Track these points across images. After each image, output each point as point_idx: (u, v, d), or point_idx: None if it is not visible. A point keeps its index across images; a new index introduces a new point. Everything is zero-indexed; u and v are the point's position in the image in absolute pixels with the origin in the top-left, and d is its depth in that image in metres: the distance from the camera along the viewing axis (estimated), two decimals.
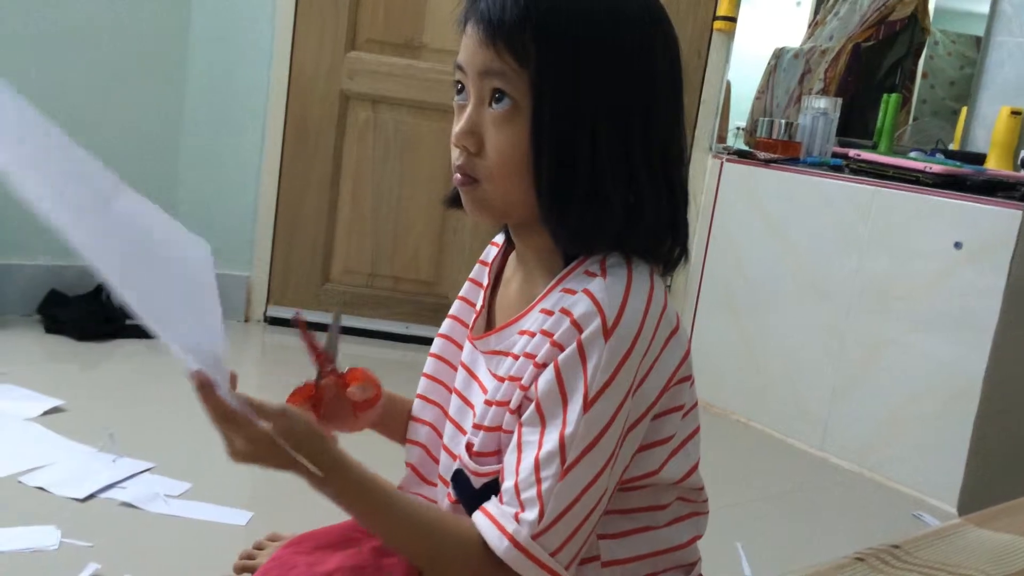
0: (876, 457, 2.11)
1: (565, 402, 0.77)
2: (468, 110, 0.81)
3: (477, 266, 1.00)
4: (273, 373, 2.49)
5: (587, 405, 0.76)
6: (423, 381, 0.99)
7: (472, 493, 0.83)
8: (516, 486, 0.77)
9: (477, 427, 0.84)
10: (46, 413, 1.77)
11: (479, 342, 0.89)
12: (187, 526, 1.42)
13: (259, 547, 1.25)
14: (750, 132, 2.82)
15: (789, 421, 2.28)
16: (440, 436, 0.97)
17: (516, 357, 0.81)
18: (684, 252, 0.86)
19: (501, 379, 0.83)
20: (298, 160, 2.63)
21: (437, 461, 0.98)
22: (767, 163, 2.35)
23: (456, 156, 0.83)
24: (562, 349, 0.77)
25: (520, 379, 0.80)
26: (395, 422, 1.02)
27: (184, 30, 2.55)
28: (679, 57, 0.85)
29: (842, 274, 2.18)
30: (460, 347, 0.98)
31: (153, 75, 2.53)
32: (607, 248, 0.82)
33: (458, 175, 0.83)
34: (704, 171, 2.58)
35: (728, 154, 2.50)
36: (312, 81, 2.60)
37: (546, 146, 0.78)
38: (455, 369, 0.97)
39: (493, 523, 0.78)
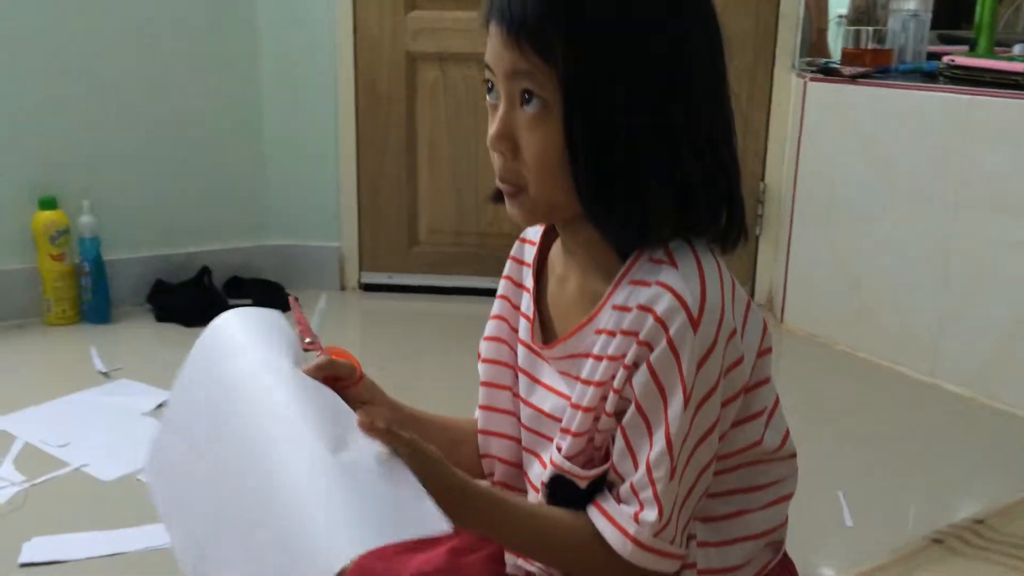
0: (992, 381, 2.01)
1: (665, 401, 0.77)
2: (500, 113, 0.79)
3: (511, 264, 0.97)
4: (373, 336, 2.56)
5: (687, 401, 0.76)
6: (483, 391, 0.98)
7: (578, 495, 0.84)
8: (632, 487, 0.79)
9: (565, 431, 0.84)
10: (160, 407, 1.87)
11: (549, 351, 0.88)
12: None
13: None
14: (852, 20, 2.64)
15: (896, 347, 2.19)
16: (515, 442, 0.97)
17: (598, 358, 0.81)
18: (742, 229, 0.84)
19: (587, 382, 0.82)
20: (373, 127, 2.64)
21: (517, 466, 0.98)
22: (853, 79, 2.22)
23: (495, 161, 0.82)
24: (651, 348, 0.76)
25: (608, 382, 0.80)
26: (439, 439, 1.02)
27: (251, 16, 2.58)
28: (717, 24, 0.81)
29: (943, 190, 2.06)
30: (513, 349, 0.97)
31: (227, 65, 2.57)
32: (667, 234, 0.80)
33: (503, 185, 0.82)
34: (788, 92, 2.46)
35: (812, 72, 2.37)
36: (377, 47, 2.59)
37: (581, 144, 0.76)
38: (512, 370, 0.97)
39: (614, 524, 0.80)
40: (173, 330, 2.37)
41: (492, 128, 0.80)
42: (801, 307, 2.44)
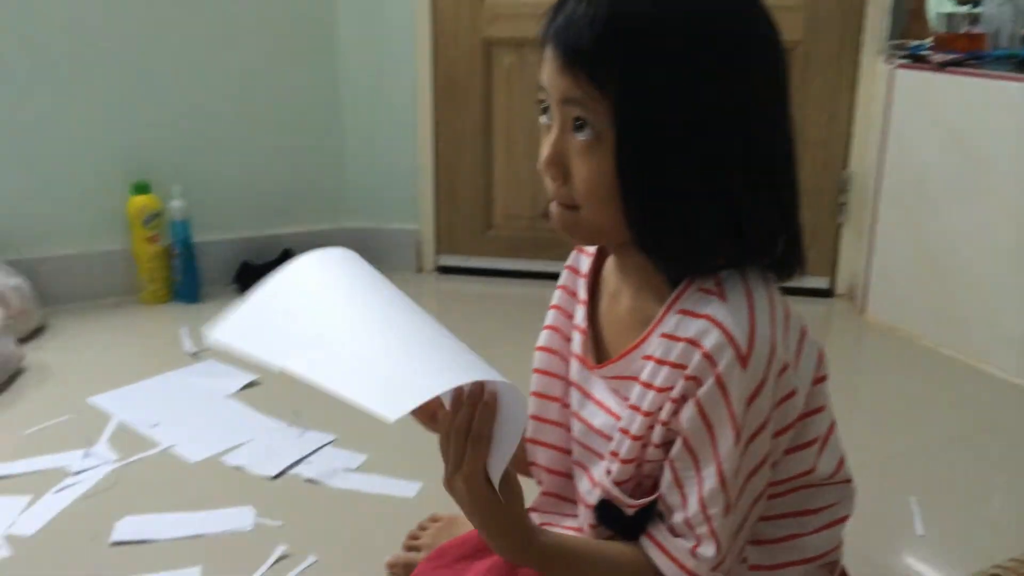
0: None
1: (714, 437, 0.78)
2: (552, 137, 0.80)
3: (567, 273, 0.98)
4: (449, 318, 2.59)
5: (738, 438, 0.77)
6: (533, 400, 1.00)
7: (625, 521, 0.86)
8: (687, 522, 0.80)
9: (613, 455, 0.86)
10: (243, 388, 1.96)
11: (600, 371, 0.89)
12: (363, 500, 1.54)
13: (423, 527, 1.34)
14: None
15: (982, 345, 2.12)
16: (566, 453, 0.99)
17: (646, 385, 0.81)
18: (799, 260, 0.83)
19: (635, 408, 0.83)
20: (450, 112, 2.67)
21: (566, 476, 1.00)
22: (943, 67, 2.13)
23: (548, 184, 0.83)
24: (699, 383, 0.77)
25: (655, 412, 0.80)
26: None
27: (331, 3, 2.62)
28: (782, 53, 0.80)
29: None
30: (565, 360, 0.98)
31: (307, 46, 2.63)
32: (718, 262, 0.80)
33: (554, 206, 0.83)
34: (875, 78, 2.38)
35: (900, 58, 2.29)
36: (454, 32, 2.61)
37: (632, 176, 0.76)
38: (563, 381, 0.98)
39: (671, 559, 0.82)
40: None
41: (543, 152, 0.81)
42: (883, 299, 2.38)
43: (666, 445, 0.82)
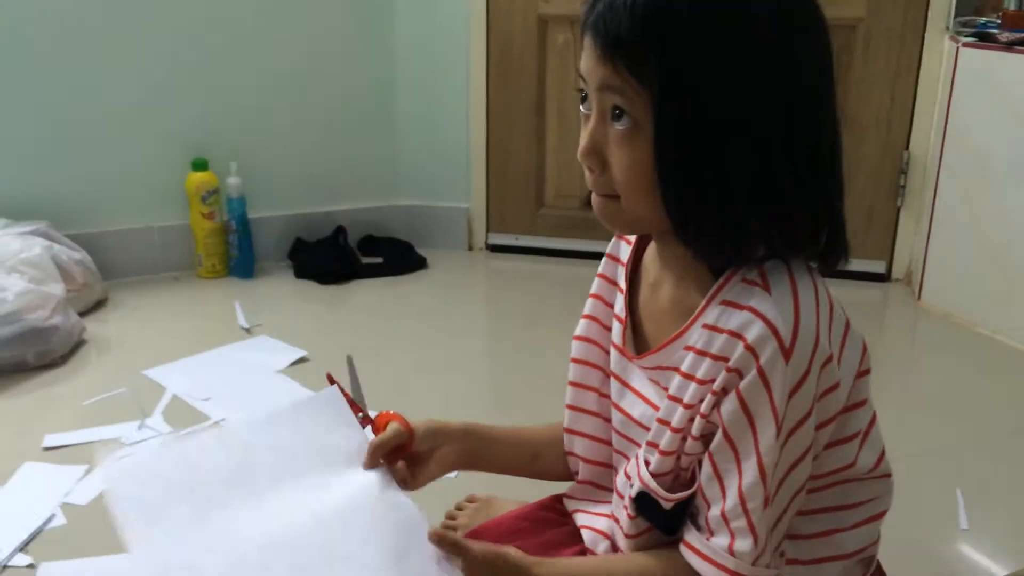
0: None
1: (755, 430, 0.77)
2: (590, 126, 0.79)
3: (607, 261, 0.98)
4: (499, 297, 2.62)
5: (779, 431, 0.77)
6: (570, 390, 1.01)
7: (662, 515, 0.86)
8: (723, 515, 0.80)
9: (652, 446, 0.86)
10: (292, 364, 2.00)
11: (639, 361, 0.89)
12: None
13: (460, 508, 1.36)
14: None
15: None
16: (601, 443, 0.99)
17: (687, 376, 0.81)
18: (843, 251, 0.82)
19: (675, 399, 0.83)
20: (503, 90, 2.66)
21: (603, 465, 1.00)
22: (1010, 46, 2.05)
23: (587, 173, 0.82)
24: (741, 375, 0.76)
25: (696, 405, 0.80)
26: (518, 457, 1.05)
27: None
28: (828, 45, 0.78)
29: None
30: (602, 348, 0.98)
31: (362, 25, 2.64)
32: (760, 252, 0.79)
33: (594, 195, 0.83)
34: (940, 56, 2.31)
35: (965, 36, 2.21)
36: (509, 9, 2.60)
37: (672, 166, 0.75)
38: (600, 371, 0.98)
39: (710, 562, 0.82)
40: (309, 287, 2.50)
41: (582, 142, 0.80)
42: (940, 285, 2.32)
43: (705, 438, 0.81)
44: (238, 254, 2.54)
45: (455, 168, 2.76)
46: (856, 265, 2.52)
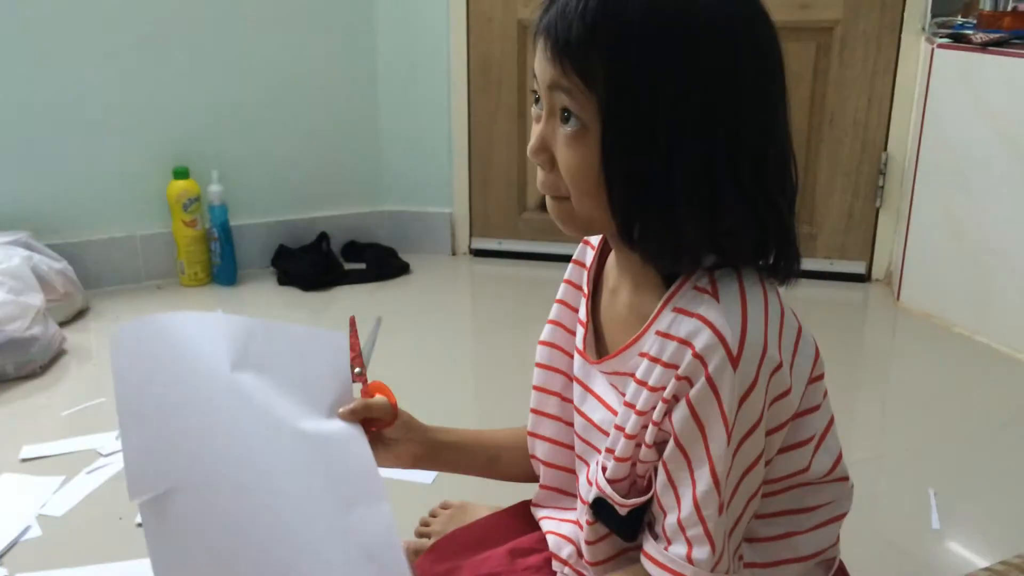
0: None
1: (706, 438, 0.78)
2: (540, 124, 0.80)
3: (572, 267, 0.99)
4: (482, 302, 2.62)
5: (730, 438, 0.77)
6: (534, 394, 1.01)
7: (619, 520, 0.87)
8: (679, 523, 0.81)
9: (609, 452, 0.86)
10: None
11: (599, 365, 0.90)
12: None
13: (434, 515, 1.37)
14: None
15: (1018, 334, 2.07)
16: (563, 447, 1.00)
17: (640, 383, 0.82)
18: (793, 264, 0.82)
19: (630, 406, 0.83)
20: (484, 95, 2.67)
21: (564, 470, 1.01)
22: (984, 47, 2.07)
23: (538, 173, 0.83)
24: (691, 383, 0.77)
25: (648, 412, 0.81)
26: (476, 459, 1.05)
27: None
28: (777, 54, 0.78)
29: None
30: (567, 354, 0.99)
31: (342, 31, 2.65)
32: (709, 261, 0.80)
33: (545, 193, 0.83)
34: (916, 58, 2.32)
35: (941, 38, 2.22)
36: (489, 14, 2.61)
37: (617, 172, 0.75)
38: (564, 376, 0.99)
39: (669, 572, 0.82)
40: (293, 294, 2.51)
41: (531, 140, 0.80)
42: (919, 285, 2.33)
43: (658, 445, 0.82)
44: (220, 262, 2.54)
45: (437, 173, 2.77)
46: (836, 266, 2.54)
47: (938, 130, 2.23)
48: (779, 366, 0.78)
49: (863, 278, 2.52)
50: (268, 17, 2.54)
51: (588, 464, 0.95)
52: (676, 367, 0.78)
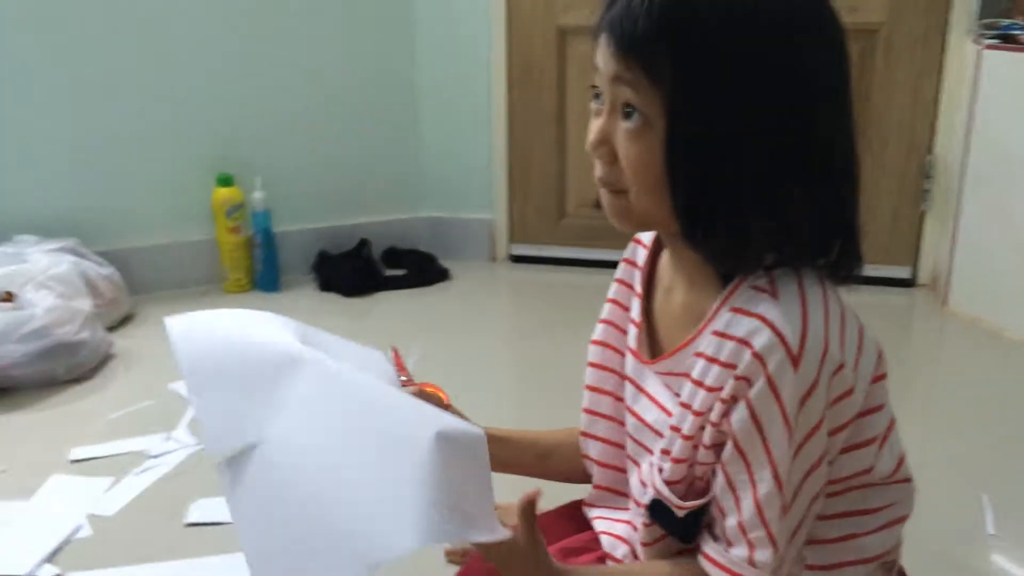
0: None
1: (765, 439, 0.76)
2: (601, 119, 0.78)
3: (623, 266, 0.97)
4: (522, 308, 2.62)
5: (791, 439, 0.76)
6: (587, 394, 1.00)
7: (676, 523, 0.85)
8: (740, 526, 0.79)
9: (665, 453, 0.85)
10: None
11: (653, 366, 0.88)
12: None
13: None
14: None
15: None
16: (617, 447, 0.99)
17: (697, 383, 0.80)
18: (856, 263, 0.81)
19: (686, 406, 0.82)
20: (524, 101, 2.68)
21: (618, 470, 1.00)
22: None
23: (596, 166, 0.81)
24: (749, 383, 0.75)
25: (706, 412, 0.79)
26: (524, 455, 1.04)
27: None
28: (844, 48, 0.77)
29: None
30: (619, 353, 0.98)
31: (382, 38, 2.67)
32: (770, 259, 0.78)
33: (602, 187, 0.82)
34: (963, 59, 2.29)
35: (989, 39, 2.19)
36: (529, 20, 2.61)
37: (682, 170, 0.74)
38: (617, 376, 0.98)
39: (730, 574, 0.80)
40: (334, 300, 2.52)
41: (591, 134, 0.79)
42: (967, 289, 2.29)
43: (716, 447, 0.80)
44: (263, 268, 2.56)
45: (477, 179, 2.77)
46: (881, 270, 2.50)
47: (987, 132, 2.19)
48: (841, 366, 0.76)
49: (908, 283, 2.48)
50: (309, 25, 2.57)
51: (639, 465, 0.94)
52: (734, 367, 0.76)
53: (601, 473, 1.01)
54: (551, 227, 2.76)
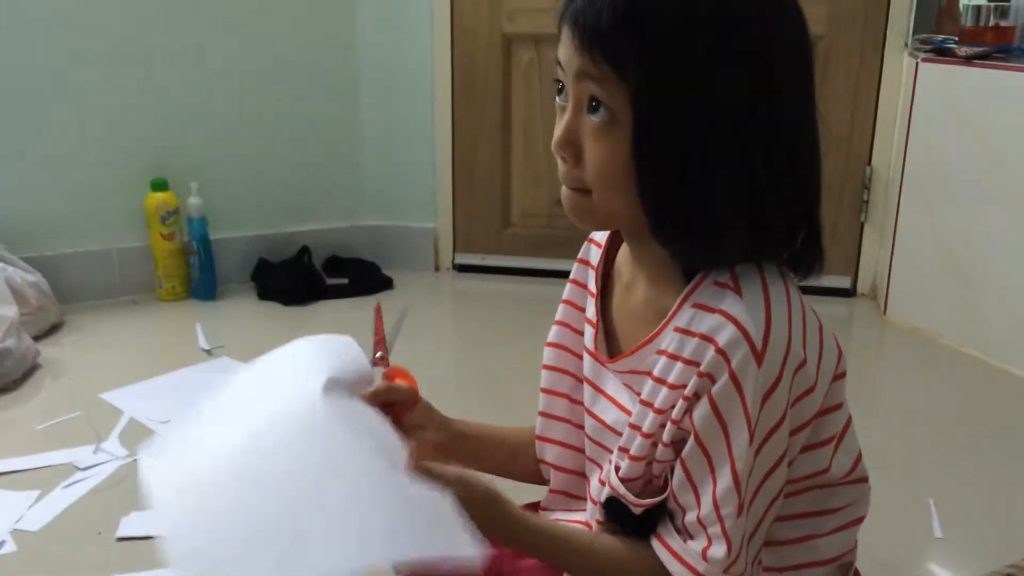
0: None
1: (727, 435, 0.75)
2: (566, 116, 0.77)
3: (578, 266, 0.95)
4: (466, 318, 2.59)
5: (752, 436, 0.74)
6: (542, 397, 0.98)
7: (632, 520, 0.83)
8: (699, 520, 0.78)
9: (623, 451, 0.83)
10: None
11: (613, 365, 0.86)
12: None
13: None
14: None
15: (1006, 345, 2.07)
16: (573, 450, 0.97)
17: (659, 381, 0.79)
18: (818, 256, 0.80)
19: (646, 404, 0.80)
20: (468, 109, 2.66)
21: (574, 473, 0.98)
22: (969, 60, 2.08)
23: (560, 165, 0.79)
24: (713, 380, 0.74)
25: (667, 410, 0.78)
26: (483, 447, 1.02)
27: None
28: (809, 44, 0.77)
29: None
30: (574, 355, 0.96)
31: (325, 41, 2.63)
32: (733, 257, 0.77)
33: (565, 188, 0.80)
34: (899, 72, 2.34)
35: (924, 52, 2.24)
36: (473, 28, 2.59)
37: (650, 165, 0.73)
38: (572, 377, 0.96)
39: (681, 562, 0.79)
40: (273, 308, 2.46)
41: (557, 132, 0.77)
42: (905, 298, 2.33)
43: (676, 444, 0.79)
44: (199, 276, 2.49)
45: (421, 188, 2.74)
46: (821, 280, 2.51)
47: (923, 144, 2.24)
48: (803, 362, 0.76)
49: (848, 292, 2.52)
50: (250, 28, 2.52)
51: (600, 467, 0.92)
52: (698, 364, 0.75)
53: (558, 477, 0.99)
54: (496, 236, 2.74)
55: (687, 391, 0.76)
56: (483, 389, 2.03)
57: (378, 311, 0.97)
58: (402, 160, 2.73)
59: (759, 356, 0.73)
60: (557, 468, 0.99)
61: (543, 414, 0.98)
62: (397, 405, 0.90)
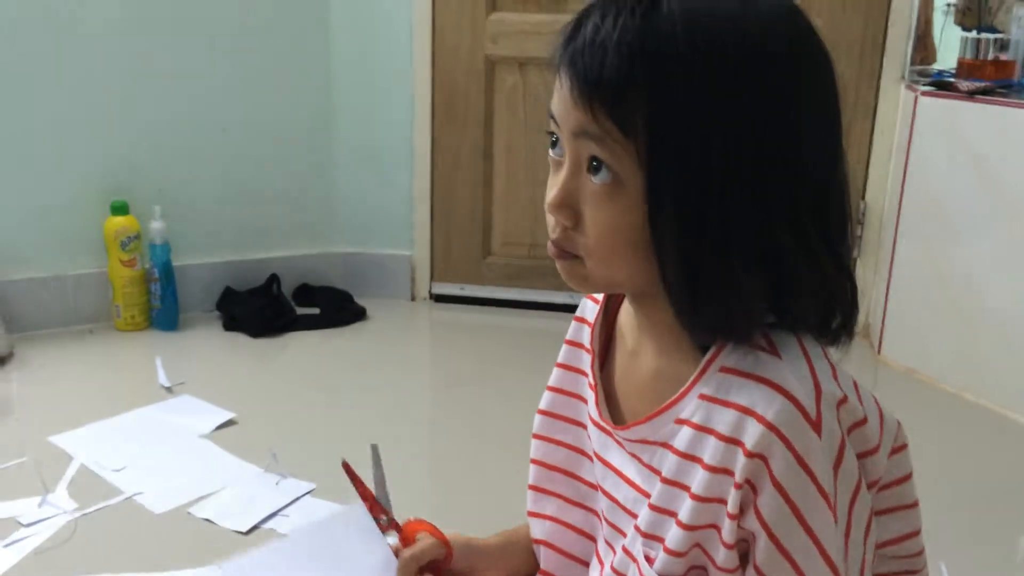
0: None
1: (806, 523, 0.65)
2: (563, 176, 0.68)
3: (575, 325, 0.86)
4: (444, 350, 2.48)
5: (835, 511, 0.65)
6: (533, 469, 0.88)
7: None
8: None
9: (651, 538, 0.73)
10: (219, 428, 1.82)
11: (623, 432, 0.76)
12: None
13: None
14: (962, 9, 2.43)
15: (1008, 391, 2.00)
16: (572, 530, 0.87)
17: (687, 457, 0.69)
18: (852, 323, 0.71)
19: (678, 485, 0.70)
20: (449, 134, 2.55)
21: (564, 555, 0.88)
22: (970, 95, 2.02)
23: (551, 225, 0.70)
24: (768, 462, 0.64)
25: (713, 500, 0.68)
26: (529, 558, 0.93)
27: (325, 17, 2.50)
28: (834, 84, 0.68)
29: None
30: (571, 423, 0.86)
31: (299, 69, 2.51)
32: (752, 331, 0.68)
33: (555, 251, 0.71)
34: (896, 105, 2.27)
35: (923, 86, 2.17)
36: (455, 50, 2.49)
37: (669, 233, 0.64)
38: (568, 448, 0.86)
39: None
40: (239, 340, 2.33)
41: (551, 192, 0.68)
42: (901, 339, 2.25)
43: (738, 544, 0.68)
44: (161, 304, 2.35)
45: (397, 214, 2.62)
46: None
47: (921, 179, 2.17)
48: (864, 420, 0.68)
49: None
50: (217, 45, 2.39)
51: (615, 551, 0.81)
52: (742, 444, 0.65)
53: (549, 557, 0.89)
54: (475, 265, 2.63)
55: (737, 477, 0.66)
56: (462, 426, 1.92)
57: (348, 470, 0.89)
58: (378, 184, 2.61)
59: (816, 424, 0.64)
60: (551, 547, 0.89)
61: (534, 487, 0.88)
62: (432, 564, 0.84)
